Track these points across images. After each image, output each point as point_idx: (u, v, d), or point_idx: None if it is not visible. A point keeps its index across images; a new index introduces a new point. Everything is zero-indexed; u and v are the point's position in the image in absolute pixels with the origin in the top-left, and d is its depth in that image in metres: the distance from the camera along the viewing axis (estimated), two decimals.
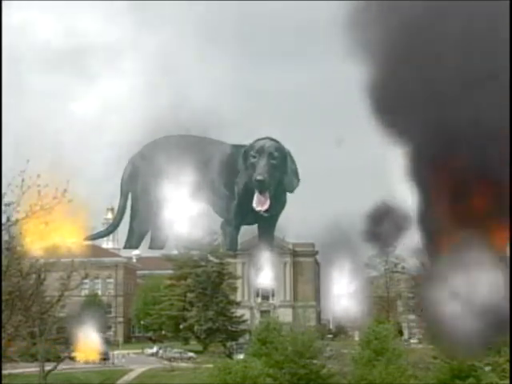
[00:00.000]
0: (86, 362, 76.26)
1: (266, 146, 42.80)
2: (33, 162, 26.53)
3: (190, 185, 44.86)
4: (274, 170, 42.76)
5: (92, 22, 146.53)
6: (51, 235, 28.30)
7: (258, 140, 43.82)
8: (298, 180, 43.50)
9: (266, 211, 44.12)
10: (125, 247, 51.76)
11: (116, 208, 49.90)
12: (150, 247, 47.91)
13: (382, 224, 68.87)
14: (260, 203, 42.76)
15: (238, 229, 46.14)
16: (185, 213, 45.50)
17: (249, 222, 46.50)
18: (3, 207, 26.65)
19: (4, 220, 26.80)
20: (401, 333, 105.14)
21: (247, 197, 44.08)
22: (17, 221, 26.69)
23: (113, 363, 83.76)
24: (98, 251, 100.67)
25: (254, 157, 42.78)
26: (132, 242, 47.44)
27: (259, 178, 41.78)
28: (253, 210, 44.38)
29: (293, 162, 43.25)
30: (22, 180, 26.37)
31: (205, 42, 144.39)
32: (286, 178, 43.00)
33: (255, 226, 46.74)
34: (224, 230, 46.36)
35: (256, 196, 42.77)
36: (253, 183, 42.77)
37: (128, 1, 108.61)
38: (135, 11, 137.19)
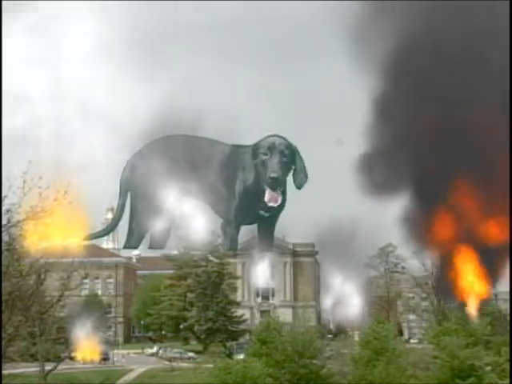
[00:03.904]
0: (86, 362, 76.27)
1: (277, 144, 42.53)
2: (34, 164, 26.56)
3: (188, 185, 44.77)
4: (285, 167, 42.54)
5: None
6: (51, 236, 28.32)
7: (267, 137, 43.49)
8: (306, 177, 43.26)
9: (268, 211, 44.02)
10: (124, 247, 51.80)
11: (115, 208, 49.72)
12: (150, 247, 47.94)
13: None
14: (273, 199, 42.44)
15: (238, 229, 46.11)
16: (184, 213, 45.47)
17: (249, 221, 46.43)
18: (3, 211, 26.59)
19: (5, 221, 26.75)
20: (401, 333, 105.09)
21: (248, 197, 43.98)
22: (18, 222, 26.67)
23: (113, 363, 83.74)
24: (98, 251, 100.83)
25: (265, 154, 42.43)
26: (132, 241, 47.44)
27: (274, 175, 41.56)
28: (253, 209, 44.32)
29: (301, 158, 43.02)
30: (24, 182, 26.32)
31: (209, 43, 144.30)
32: (296, 174, 42.75)
33: (255, 226, 46.65)
34: (224, 230, 46.35)
35: (268, 192, 42.42)
36: (265, 181, 42.33)
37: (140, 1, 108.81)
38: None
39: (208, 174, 44.93)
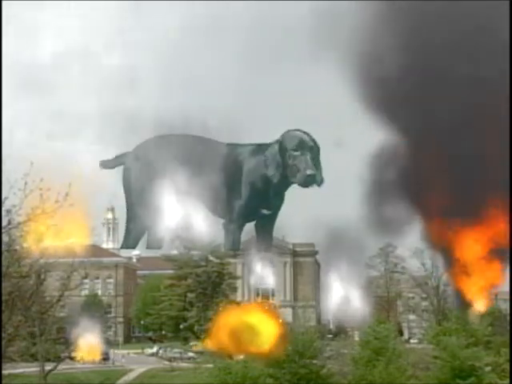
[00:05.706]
0: (86, 362, 76.29)
1: (306, 140, 42.54)
2: (36, 165, 26.45)
3: (185, 184, 44.69)
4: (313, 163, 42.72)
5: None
6: (52, 238, 28.29)
7: (290, 132, 43.32)
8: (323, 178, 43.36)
9: (268, 209, 44.11)
10: (122, 247, 51.90)
11: (115, 208, 49.35)
12: (148, 247, 47.99)
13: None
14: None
15: (241, 229, 46.08)
16: (181, 212, 45.40)
17: (249, 219, 46.43)
18: (4, 212, 26.53)
19: (5, 223, 26.69)
20: (401, 333, 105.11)
21: (254, 197, 43.97)
22: (18, 224, 26.59)
23: (113, 363, 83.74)
24: (98, 251, 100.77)
25: (296, 150, 42.33)
26: (129, 242, 47.52)
27: (310, 172, 41.68)
28: (256, 209, 44.31)
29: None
30: (25, 183, 26.21)
31: (208, 42, 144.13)
32: (318, 172, 42.73)
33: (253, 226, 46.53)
34: (226, 229, 46.28)
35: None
36: (300, 177, 42.30)
37: (139, 1, 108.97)
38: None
39: (204, 173, 44.86)
